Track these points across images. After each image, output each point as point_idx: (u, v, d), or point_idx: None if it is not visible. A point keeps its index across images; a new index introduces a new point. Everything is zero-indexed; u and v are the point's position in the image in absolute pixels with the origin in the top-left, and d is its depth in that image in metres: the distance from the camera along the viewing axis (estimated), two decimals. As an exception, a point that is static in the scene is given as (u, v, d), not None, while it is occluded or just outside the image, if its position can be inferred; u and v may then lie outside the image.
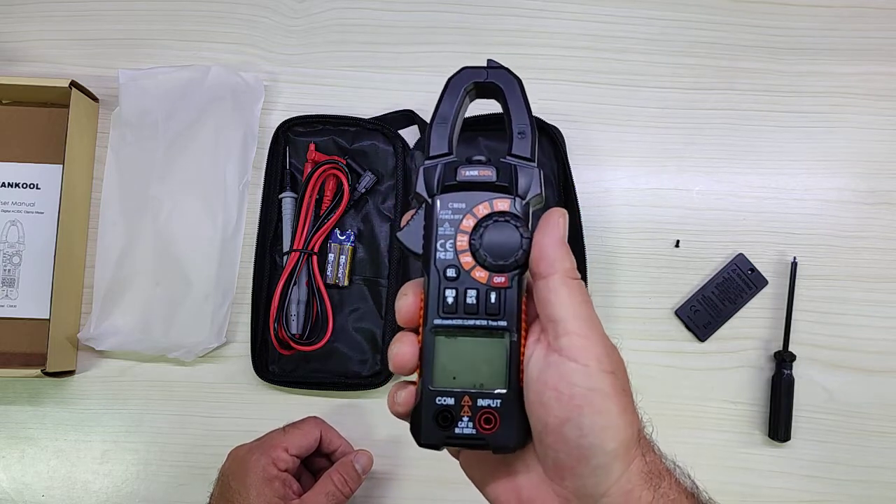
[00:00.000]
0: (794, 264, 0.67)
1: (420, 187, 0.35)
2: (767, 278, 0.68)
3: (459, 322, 0.34)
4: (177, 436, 0.67)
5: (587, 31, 0.72)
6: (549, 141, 0.68)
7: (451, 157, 0.36)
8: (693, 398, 0.68)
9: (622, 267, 0.69)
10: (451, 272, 0.34)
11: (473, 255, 0.34)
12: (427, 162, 0.36)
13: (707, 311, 0.68)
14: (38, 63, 0.71)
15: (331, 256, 0.67)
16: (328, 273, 0.67)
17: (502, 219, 0.34)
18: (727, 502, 0.66)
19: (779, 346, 0.67)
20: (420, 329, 0.35)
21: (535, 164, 0.35)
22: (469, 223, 0.34)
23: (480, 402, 0.33)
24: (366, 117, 0.69)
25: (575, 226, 0.66)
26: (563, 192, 0.68)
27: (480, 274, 0.34)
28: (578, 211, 0.66)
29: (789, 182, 0.70)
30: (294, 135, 0.69)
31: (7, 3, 0.72)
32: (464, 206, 0.34)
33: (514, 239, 0.33)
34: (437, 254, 0.34)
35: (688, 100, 0.71)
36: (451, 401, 0.33)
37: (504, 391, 0.33)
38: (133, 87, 0.68)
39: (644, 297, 0.69)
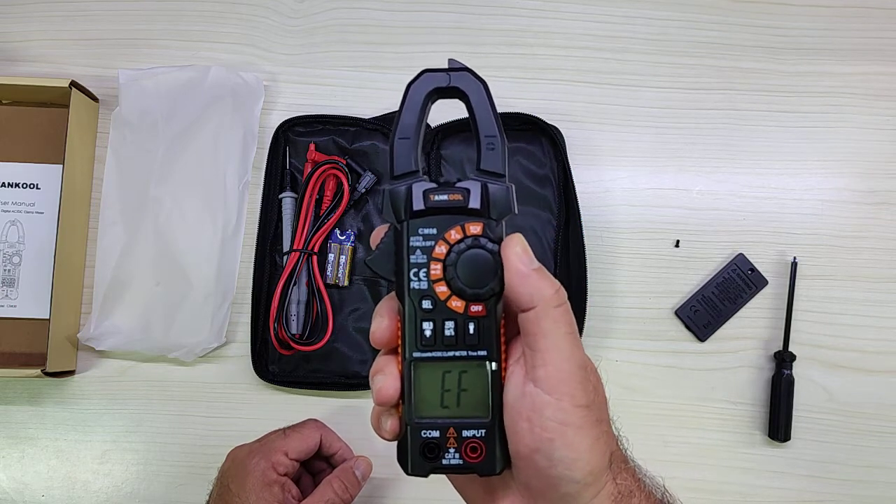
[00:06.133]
0: (794, 264, 0.67)
1: (387, 212, 0.33)
2: (767, 278, 0.68)
3: (439, 355, 0.33)
4: (177, 436, 0.67)
5: (587, 31, 0.72)
6: (549, 141, 0.68)
7: (418, 176, 0.34)
8: (693, 398, 0.68)
9: (622, 267, 0.69)
10: (426, 304, 0.33)
11: (448, 285, 0.33)
12: (392, 183, 0.34)
13: (707, 311, 0.68)
14: (38, 63, 0.71)
15: (331, 256, 0.67)
16: (328, 273, 0.67)
17: (476, 244, 0.32)
18: (727, 502, 0.66)
19: (779, 346, 0.67)
20: (399, 356, 0.34)
21: (507, 180, 0.33)
22: (442, 250, 0.33)
23: (466, 433, 0.33)
24: (366, 117, 0.69)
25: (575, 226, 0.66)
26: (563, 192, 0.68)
27: (457, 304, 0.33)
28: (578, 211, 0.66)
29: (789, 182, 0.70)
30: (294, 135, 0.69)
31: (7, 3, 0.72)
32: (435, 231, 0.33)
33: (490, 266, 0.32)
34: (411, 283, 0.33)
35: (688, 100, 0.71)
36: (436, 433, 0.33)
37: (487, 419, 0.33)
38: (133, 87, 0.68)
39: (644, 297, 0.69)
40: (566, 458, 0.31)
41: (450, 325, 0.33)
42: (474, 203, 0.33)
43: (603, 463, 0.32)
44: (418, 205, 0.33)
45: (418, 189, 0.33)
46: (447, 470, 0.34)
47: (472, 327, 0.33)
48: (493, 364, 0.33)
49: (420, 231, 0.33)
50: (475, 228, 0.33)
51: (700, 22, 0.72)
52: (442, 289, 0.33)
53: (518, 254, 0.32)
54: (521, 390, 0.32)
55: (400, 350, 0.34)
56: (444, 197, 0.33)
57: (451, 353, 0.33)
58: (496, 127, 0.34)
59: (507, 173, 0.34)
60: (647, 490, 0.34)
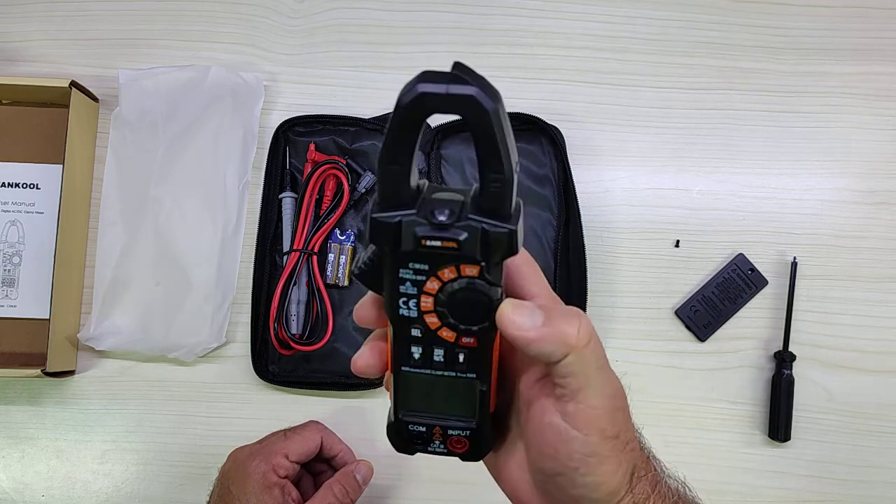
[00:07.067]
0: (794, 264, 0.67)
1: (374, 241, 0.29)
2: (767, 278, 0.68)
3: (428, 372, 0.32)
4: (177, 436, 0.67)
5: (587, 31, 0.72)
6: (549, 141, 0.68)
7: (407, 208, 0.28)
8: (693, 398, 0.68)
9: (622, 267, 0.69)
10: (416, 332, 0.31)
11: (439, 318, 0.30)
12: (379, 210, 0.28)
13: (707, 311, 0.68)
14: (38, 63, 0.71)
15: (331, 256, 0.67)
16: (328, 273, 0.67)
17: (471, 286, 0.29)
18: (727, 502, 0.66)
19: (779, 346, 0.67)
20: (388, 352, 0.33)
21: (510, 223, 0.28)
22: (433, 286, 0.29)
23: (451, 432, 0.33)
24: (366, 117, 0.69)
25: (575, 226, 0.66)
26: (563, 192, 0.68)
27: (448, 334, 0.31)
28: (578, 211, 0.66)
29: (789, 182, 0.70)
30: (294, 135, 0.69)
31: (7, 3, 0.72)
32: (427, 267, 0.29)
33: (484, 307, 0.30)
34: (400, 310, 0.30)
35: (688, 100, 0.71)
36: (422, 429, 0.34)
37: (473, 423, 0.33)
38: (133, 87, 0.68)
39: (644, 297, 0.69)
40: (589, 484, 0.31)
41: (439, 352, 0.31)
42: (469, 251, 0.28)
43: (624, 480, 0.32)
44: (407, 247, 0.28)
45: (408, 228, 0.28)
46: (432, 454, 0.35)
47: (461, 357, 0.31)
48: (483, 385, 0.32)
49: (410, 265, 0.29)
50: (471, 270, 0.29)
51: (700, 22, 0.72)
52: (432, 319, 0.30)
53: (516, 324, 0.29)
54: (547, 419, 0.31)
55: (389, 358, 0.33)
56: (437, 244, 0.28)
57: (439, 373, 0.32)
58: (504, 164, 0.27)
59: (513, 213, 0.28)
60: (662, 492, 0.34)
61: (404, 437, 0.34)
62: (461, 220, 0.28)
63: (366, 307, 0.32)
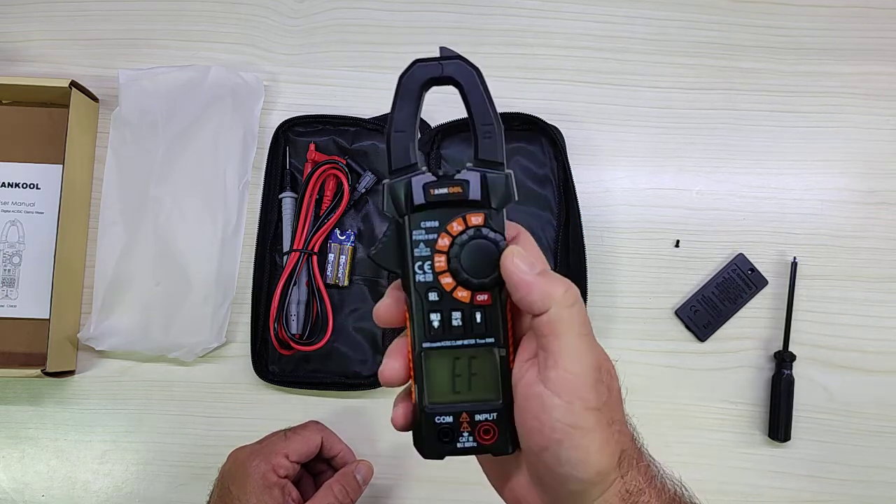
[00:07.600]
0: (794, 264, 0.67)
1: (388, 207, 0.34)
2: (767, 278, 0.68)
3: (448, 344, 0.34)
4: (177, 436, 0.67)
5: (587, 31, 0.72)
6: (549, 141, 0.68)
7: (416, 169, 0.34)
8: (693, 398, 0.68)
9: (622, 267, 0.69)
10: (433, 295, 0.34)
11: (453, 276, 0.33)
12: (391, 177, 0.34)
13: (707, 311, 0.68)
14: (38, 63, 0.71)
15: (331, 256, 0.67)
16: (328, 273, 0.67)
17: (478, 234, 0.33)
18: (727, 502, 0.66)
19: (779, 346, 0.67)
20: (408, 345, 0.34)
21: (504, 169, 0.34)
22: (445, 242, 0.33)
23: (478, 417, 0.34)
24: (366, 117, 0.69)
25: (575, 226, 0.66)
26: (563, 192, 0.68)
27: (463, 294, 0.33)
28: (578, 211, 0.66)
29: (789, 182, 0.70)
30: (294, 135, 0.69)
31: (7, 3, 0.72)
32: (437, 224, 0.33)
33: (493, 255, 0.33)
34: (416, 276, 0.34)
35: (688, 100, 0.71)
36: (449, 419, 0.34)
37: (499, 403, 0.34)
38: (133, 87, 0.68)
39: (644, 297, 0.69)
40: (573, 459, 0.31)
41: (457, 315, 0.34)
42: (474, 195, 0.33)
43: (612, 463, 0.32)
44: (419, 199, 0.33)
45: (418, 183, 0.33)
46: (461, 453, 0.34)
47: (478, 316, 0.34)
48: (502, 350, 0.34)
49: (422, 224, 0.33)
50: (476, 219, 0.33)
51: (700, 22, 0.72)
52: (447, 280, 0.33)
53: (517, 265, 0.32)
54: (532, 390, 0.32)
55: (409, 340, 0.34)
56: (444, 190, 0.33)
57: (459, 343, 0.34)
58: (491, 114, 0.34)
59: (505, 161, 0.34)
60: (657, 487, 0.34)
61: (432, 435, 0.34)
62: (462, 172, 0.34)
63: (385, 304, 0.35)
